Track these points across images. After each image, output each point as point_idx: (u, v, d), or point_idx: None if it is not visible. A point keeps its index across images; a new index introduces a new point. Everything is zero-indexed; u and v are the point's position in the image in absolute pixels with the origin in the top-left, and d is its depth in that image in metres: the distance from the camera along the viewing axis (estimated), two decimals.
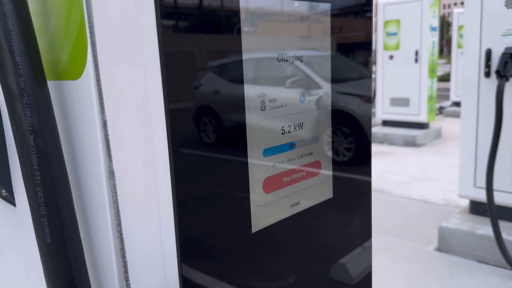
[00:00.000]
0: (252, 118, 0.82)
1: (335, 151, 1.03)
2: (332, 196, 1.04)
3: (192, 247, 0.76)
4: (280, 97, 0.88)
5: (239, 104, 0.80)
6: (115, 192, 0.68)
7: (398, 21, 8.78)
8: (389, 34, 8.93)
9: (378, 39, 9.04)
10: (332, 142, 1.01)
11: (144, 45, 0.66)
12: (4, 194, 0.95)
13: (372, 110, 9.37)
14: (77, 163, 0.86)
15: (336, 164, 1.03)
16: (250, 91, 0.81)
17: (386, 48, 8.98)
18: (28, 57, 0.64)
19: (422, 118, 8.77)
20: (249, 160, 0.83)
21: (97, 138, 0.78)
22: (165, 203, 0.73)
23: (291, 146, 0.92)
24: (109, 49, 0.63)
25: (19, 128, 0.68)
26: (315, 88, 0.96)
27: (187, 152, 0.72)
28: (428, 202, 5.52)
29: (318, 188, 1.00)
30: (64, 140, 0.86)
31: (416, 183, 6.27)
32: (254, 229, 0.85)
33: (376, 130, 8.98)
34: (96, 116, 0.79)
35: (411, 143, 8.59)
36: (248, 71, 0.80)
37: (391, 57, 8.96)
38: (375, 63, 9.29)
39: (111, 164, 0.68)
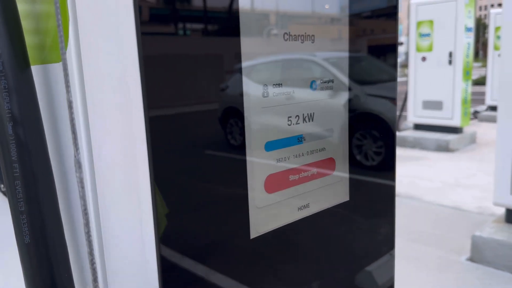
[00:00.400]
0: (252, 106, 0.71)
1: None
2: (348, 199, 0.91)
3: (176, 253, 0.65)
4: (286, 82, 0.76)
5: (235, 89, 0.68)
6: (82, 187, 0.58)
7: (431, 22, 8.52)
8: (422, 35, 8.68)
9: (411, 41, 8.80)
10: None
11: (121, 27, 0.56)
12: (2, 189, 0.90)
13: (404, 113, 9.13)
14: (62, 155, 0.78)
15: (355, 164, 0.91)
16: (250, 73, 0.70)
17: (418, 49, 8.74)
18: (8, 39, 0.61)
19: (456, 122, 8.47)
20: (248, 155, 0.71)
21: (79, 125, 0.69)
22: (146, 202, 0.62)
23: (299, 139, 0.80)
24: (91, 30, 0.60)
25: None
26: (329, 75, 0.83)
27: (171, 145, 0.61)
28: (460, 209, 5.28)
29: (331, 189, 0.87)
30: (49, 129, 0.78)
31: (448, 190, 6.03)
32: (254, 234, 0.74)
33: (407, 134, 8.73)
34: (78, 99, 0.70)
35: (444, 148, 8.31)
36: (247, 47, 0.68)
37: (423, 58, 8.71)
38: (407, 65, 9.03)
39: (78, 154, 0.57)
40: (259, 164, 0.73)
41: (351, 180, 0.91)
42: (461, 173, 6.75)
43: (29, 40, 0.74)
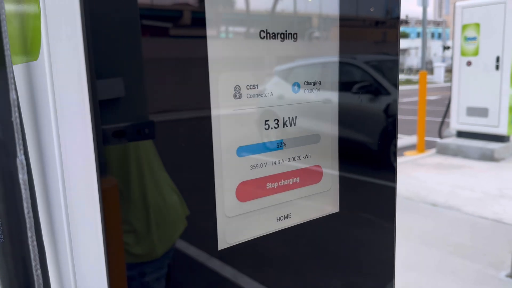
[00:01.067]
0: (222, 108, 0.66)
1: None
2: (338, 210, 0.84)
3: (133, 263, 0.61)
4: (262, 83, 0.70)
5: (201, 89, 0.64)
6: (25, 189, 0.55)
7: (477, 25, 8.19)
8: (467, 39, 8.35)
9: (455, 45, 8.49)
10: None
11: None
12: None
13: (446, 119, 8.80)
14: (43, 155, 0.76)
15: (346, 171, 0.84)
16: (218, 73, 0.65)
17: (463, 54, 8.41)
18: None
19: (502, 130, 8.09)
20: (215, 159, 0.66)
21: (50, 122, 0.67)
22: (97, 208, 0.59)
23: (278, 145, 0.74)
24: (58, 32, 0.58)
25: None
26: (319, 76, 0.77)
27: (121, 147, 0.57)
28: (502, 222, 5.02)
29: (318, 199, 0.81)
30: (31, 128, 0.77)
31: (491, 201, 5.75)
32: (222, 245, 0.69)
33: (450, 141, 8.41)
34: (49, 98, 0.68)
35: (488, 157, 7.94)
36: (214, 45, 0.63)
37: (469, 63, 8.38)
38: (451, 70, 8.72)
39: (21, 154, 0.54)
40: (229, 170, 0.68)
41: (342, 190, 0.85)
42: (506, 184, 6.42)
43: (13, 40, 0.74)
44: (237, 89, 0.68)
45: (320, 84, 0.78)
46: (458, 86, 8.69)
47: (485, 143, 8.30)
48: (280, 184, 0.75)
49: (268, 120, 0.73)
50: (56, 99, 0.66)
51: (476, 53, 8.41)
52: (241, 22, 0.67)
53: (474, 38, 8.37)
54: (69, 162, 0.65)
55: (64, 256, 0.72)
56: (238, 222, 0.71)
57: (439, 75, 26.07)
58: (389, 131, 0.91)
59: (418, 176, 6.84)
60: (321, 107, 0.79)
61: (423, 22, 9.99)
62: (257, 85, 0.70)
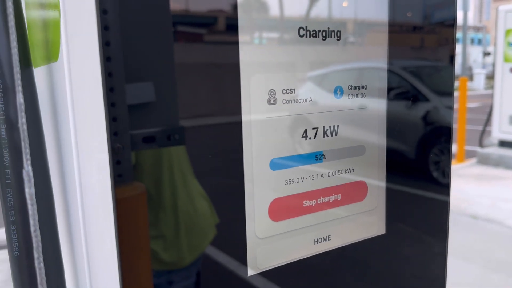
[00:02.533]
0: (253, 115, 0.58)
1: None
2: (385, 232, 0.74)
3: None
4: (300, 87, 0.62)
5: (231, 93, 0.56)
6: (32, 204, 0.48)
7: None
8: (510, 45, 8.05)
9: (498, 50, 8.19)
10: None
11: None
12: None
13: (488, 128, 8.49)
14: (63, 160, 0.70)
15: (395, 187, 0.74)
16: (250, 76, 0.57)
17: (506, 60, 8.10)
18: (6, 41, 0.57)
19: None
20: (246, 174, 0.58)
21: (69, 128, 0.62)
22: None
23: (317, 157, 0.65)
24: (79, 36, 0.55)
25: None
26: (365, 80, 0.68)
27: (152, 152, 0.51)
28: None
29: (362, 220, 0.72)
30: (50, 133, 0.72)
31: None
32: (252, 271, 0.60)
33: (491, 151, 8.09)
34: (68, 99, 0.63)
35: None
36: (246, 45, 0.56)
37: None
38: (491, 76, 8.45)
39: (28, 165, 0.48)
40: (261, 186, 0.60)
41: (389, 208, 0.75)
42: None
43: (36, 42, 0.71)
44: (272, 93, 0.60)
45: (366, 89, 0.69)
46: (501, 93, 8.38)
47: None
48: (318, 202, 0.66)
49: (306, 129, 0.64)
50: (75, 103, 0.60)
51: None
52: (278, 18, 0.59)
53: None
54: (85, 167, 0.59)
55: (83, 275, 0.66)
56: (271, 244, 0.62)
57: (479, 81, 25.29)
58: (443, 142, 0.81)
59: (457, 187, 6.59)
60: (366, 114, 0.70)
61: (464, 27, 9.69)
62: (294, 89, 0.62)
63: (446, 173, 0.84)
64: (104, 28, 0.51)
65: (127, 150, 0.53)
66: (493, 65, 8.69)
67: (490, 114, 8.42)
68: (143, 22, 0.51)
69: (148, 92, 0.53)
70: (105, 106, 0.51)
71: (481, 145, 8.55)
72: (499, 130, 8.37)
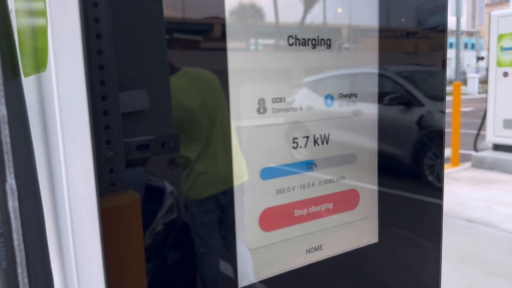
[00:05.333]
0: (243, 123, 0.57)
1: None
2: (377, 241, 0.74)
3: None
4: (291, 96, 0.61)
5: (219, 103, 0.55)
6: (16, 218, 0.47)
7: None
8: (503, 49, 8.09)
9: (491, 55, 8.23)
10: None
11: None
12: None
13: (482, 132, 8.52)
14: (52, 169, 0.69)
15: (387, 195, 0.74)
16: (239, 85, 0.56)
17: (500, 64, 8.15)
18: None
19: None
20: (236, 183, 0.57)
21: (57, 134, 0.61)
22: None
23: (308, 166, 0.65)
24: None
25: None
26: (356, 88, 0.68)
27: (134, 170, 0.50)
28: None
29: (354, 228, 0.71)
30: (41, 144, 0.70)
31: None
32: (243, 283, 0.59)
33: (486, 154, 8.11)
34: (56, 109, 0.62)
35: None
36: (235, 54, 0.55)
37: (505, 74, 8.11)
38: (485, 81, 8.49)
39: (11, 178, 0.47)
40: (251, 196, 0.59)
41: (381, 217, 0.74)
42: None
43: (27, 50, 0.70)
44: (262, 102, 0.59)
45: (356, 96, 0.69)
46: (494, 97, 8.42)
47: None
48: (310, 211, 0.66)
49: (296, 138, 0.63)
50: (62, 112, 0.59)
51: None
52: (267, 27, 0.59)
53: (510, 48, 8.12)
54: (73, 178, 0.58)
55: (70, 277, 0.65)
56: (262, 255, 0.61)
57: (473, 86, 25.40)
58: (436, 147, 0.80)
59: (452, 191, 6.59)
60: (358, 122, 0.69)
61: (457, 32, 9.73)
62: (284, 98, 0.61)
63: (441, 177, 0.83)
64: (96, 36, 0.50)
65: (121, 158, 0.52)
66: (487, 69, 8.72)
67: (484, 118, 8.44)
68: (136, 30, 0.51)
69: (141, 99, 0.52)
70: (90, 115, 0.50)
71: (475, 149, 8.57)
72: (493, 134, 8.40)
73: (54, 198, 0.69)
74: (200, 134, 0.55)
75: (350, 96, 0.68)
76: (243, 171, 0.58)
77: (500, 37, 8.11)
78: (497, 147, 8.54)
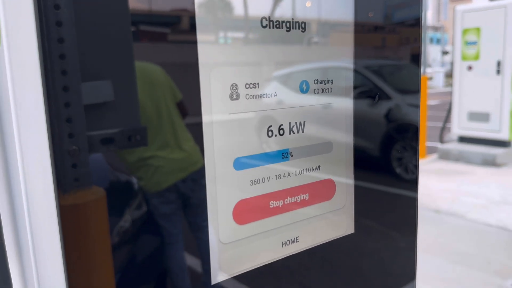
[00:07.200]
0: (215, 111, 0.54)
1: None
2: (353, 231, 0.72)
3: None
4: (265, 82, 0.58)
5: (189, 87, 0.52)
6: None
7: (478, 29, 8.13)
8: (467, 43, 8.29)
9: (455, 49, 8.42)
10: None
11: None
12: None
13: (447, 125, 8.72)
14: (7, 163, 0.64)
15: (363, 184, 0.72)
16: (211, 69, 0.53)
17: (464, 58, 8.35)
18: None
19: (504, 135, 8.02)
20: (208, 174, 0.54)
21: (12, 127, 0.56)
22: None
23: (283, 155, 0.62)
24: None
25: None
26: (332, 74, 0.66)
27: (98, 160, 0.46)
28: (507, 229, 4.91)
29: (331, 219, 0.69)
30: None
31: (495, 208, 5.64)
32: (217, 278, 0.56)
33: (451, 146, 8.32)
34: (10, 98, 0.57)
35: (490, 162, 7.85)
36: (204, 34, 0.52)
37: (469, 68, 8.32)
38: (450, 75, 8.68)
39: None
40: (224, 187, 0.56)
41: (357, 207, 0.72)
42: (508, 191, 6.32)
43: None
44: (234, 88, 0.56)
45: (332, 83, 0.66)
46: (459, 90, 8.64)
47: (487, 148, 8.23)
48: (286, 202, 0.63)
49: (270, 126, 0.60)
50: (16, 102, 0.55)
51: (476, 57, 8.37)
52: (238, 6, 0.55)
53: (474, 43, 8.34)
54: (29, 172, 0.53)
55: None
56: (236, 249, 0.59)
57: (438, 80, 25.99)
58: (409, 138, 0.79)
59: (420, 182, 6.72)
60: (333, 110, 0.67)
61: (423, 27, 9.93)
62: (258, 84, 0.58)
63: (410, 169, 0.82)
64: (56, 24, 0.46)
65: (84, 152, 0.48)
66: (451, 63, 8.92)
67: (449, 111, 8.65)
68: (100, 17, 0.48)
69: (105, 91, 0.48)
70: (48, 107, 0.46)
71: (441, 141, 8.77)
72: (458, 127, 8.62)
73: (11, 195, 0.64)
74: (150, 128, 0.52)
75: (326, 82, 0.66)
76: (197, 156, 0.55)
77: (465, 31, 8.32)
78: (462, 139, 8.78)
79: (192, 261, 0.55)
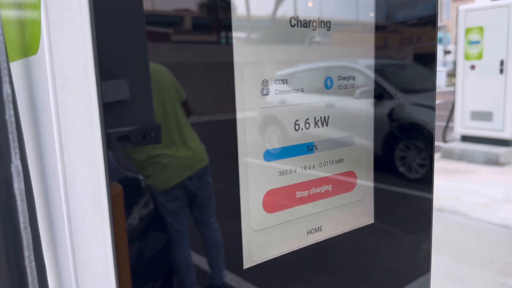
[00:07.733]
0: (247, 106, 0.57)
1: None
2: (373, 222, 0.75)
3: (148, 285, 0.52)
4: (293, 77, 0.62)
5: (224, 84, 0.55)
6: (22, 200, 0.46)
7: (481, 29, 8.13)
8: (470, 43, 8.29)
9: (458, 48, 8.42)
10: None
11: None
12: None
13: (450, 124, 8.74)
14: (43, 159, 0.67)
15: (383, 180, 0.75)
16: (244, 66, 0.56)
17: (467, 57, 8.35)
18: None
19: (507, 134, 8.01)
20: (241, 165, 0.57)
21: (51, 122, 0.59)
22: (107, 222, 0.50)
23: (309, 148, 0.65)
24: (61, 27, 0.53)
25: None
26: (354, 71, 0.69)
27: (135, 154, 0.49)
28: (510, 228, 4.93)
29: (352, 209, 0.72)
30: (30, 129, 0.68)
31: (498, 206, 5.66)
32: (248, 263, 0.60)
33: (454, 145, 8.32)
34: (50, 92, 0.60)
35: (493, 161, 7.86)
36: (239, 36, 0.55)
37: (472, 67, 8.31)
38: (454, 74, 8.69)
39: (16, 159, 0.45)
40: (255, 178, 0.60)
41: (377, 199, 0.76)
42: (511, 189, 6.34)
43: (11, 37, 0.68)
44: (265, 84, 0.59)
45: (354, 79, 0.69)
46: (462, 90, 8.63)
47: (490, 147, 8.23)
48: (311, 193, 0.67)
49: (297, 120, 0.64)
50: (58, 97, 0.58)
51: (480, 56, 8.35)
52: (269, 7, 0.59)
53: (477, 42, 8.32)
54: (73, 167, 0.56)
55: (68, 276, 0.63)
56: (265, 236, 0.62)
57: (440, 79, 26.02)
58: (425, 136, 0.82)
59: None
60: (355, 105, 0.70)
61: None
62: (286, 80, 0.61)
63: (425, 166, 0.85)
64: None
65: (102, 149, 0.51)
66: (454, 63, 8.90)
67: (452, 110, 8.66)
68: (116, 17, 0.49)
69: (122, 89, 0.51)
70: (99, 101, 0.48)
71: (444, 140, 8.78)
72: (461, 126, 8.62)
73: (46, 187, 0.67)
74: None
75: (349, 79, 0.69)
76: (203, 154, 0.57)
77: (468, 30, 8.31)
78: (465, 138, 8.78)
79: (226, 248, 0.58)
